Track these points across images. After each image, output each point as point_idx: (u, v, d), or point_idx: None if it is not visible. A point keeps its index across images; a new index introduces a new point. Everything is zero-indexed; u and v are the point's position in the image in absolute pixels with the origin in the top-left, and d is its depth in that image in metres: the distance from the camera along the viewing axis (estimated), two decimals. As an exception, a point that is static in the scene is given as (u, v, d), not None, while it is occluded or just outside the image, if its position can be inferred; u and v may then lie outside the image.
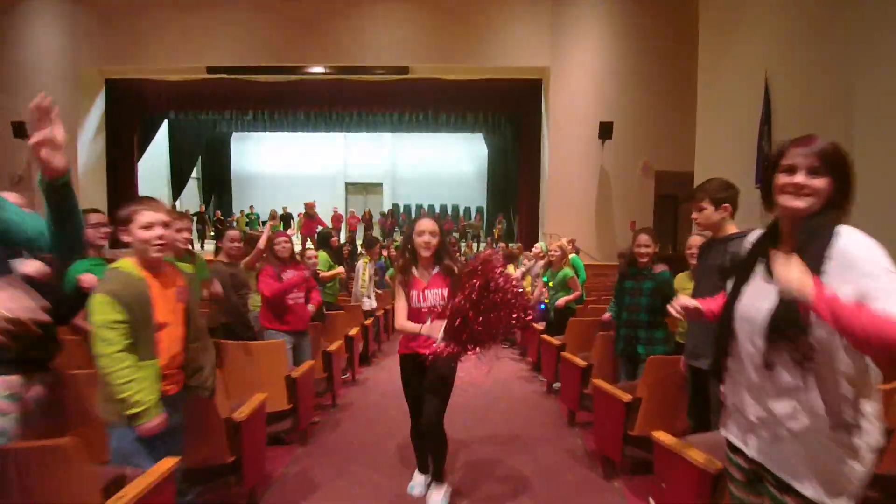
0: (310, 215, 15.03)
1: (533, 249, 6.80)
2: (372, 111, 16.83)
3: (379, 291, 7.91)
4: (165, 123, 18.98)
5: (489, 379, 5.58)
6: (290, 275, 4.53)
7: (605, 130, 14.18)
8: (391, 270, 9.15)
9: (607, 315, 4.61)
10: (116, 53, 15.48)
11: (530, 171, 15.97)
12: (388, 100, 16.22)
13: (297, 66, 15.38)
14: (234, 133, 21.24)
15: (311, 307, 4.80)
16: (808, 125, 9.62)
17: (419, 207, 18.85)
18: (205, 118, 18.25)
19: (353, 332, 6.09)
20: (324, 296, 5.71)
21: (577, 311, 5.90)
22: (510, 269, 7.35)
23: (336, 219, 16.70)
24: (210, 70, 15.65)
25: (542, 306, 6.04)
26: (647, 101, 14.53)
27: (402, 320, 3.12)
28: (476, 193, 20.89)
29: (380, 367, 7.09)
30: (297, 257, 4.90)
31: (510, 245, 11.17)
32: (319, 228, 14.70)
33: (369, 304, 7.06)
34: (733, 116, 11.94)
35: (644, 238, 3.95)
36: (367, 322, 6.78)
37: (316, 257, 5.71)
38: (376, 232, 17.09)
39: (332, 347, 5.15)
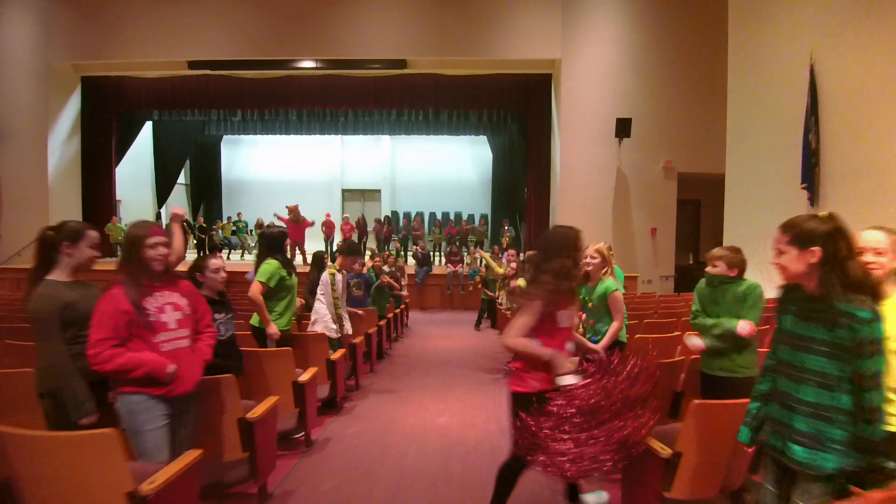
0: (294, 220, 13.52)
1: (588, 259, 5.10)
2: (368, 109, 15.36)
3: (360, 312, 6.33)
4: (149, 125, 17.61)
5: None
6: (158, 301, 2.69)
7: (623, 127, 12.67)
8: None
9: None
10: (91, 47, 14.11)
11: (539, 174, 14.45)
12: (384, 98, 14.76)
13: (286, 59, 13.95)
14: (224, 136, 19.83)
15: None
16: (861, 114, 8.15)
17: (419, 215, 17.32)
18: (190, 119, 16.87)
19: (306, 376, 3.98)
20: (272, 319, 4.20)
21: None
22: (521, 280, 5.83)
23: (328, 225, 15.20)
24: (191, 65, 14.25)
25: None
26: (668, 95, 13.05)
27: (524, 340, 2.64)
28: (479, 200, 19.39)
29: (355, 416, 4.99)
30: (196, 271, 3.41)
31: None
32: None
33: (337, 331, 5.08)
34: (772, 108, 10.42)
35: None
36: (335, 356, 4.79)
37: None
38: (371, 241, 15.56)
39: (255, 414, 3.11)
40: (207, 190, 19.82)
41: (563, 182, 13.24)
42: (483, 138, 18.70)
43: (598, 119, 13.01)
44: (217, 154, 20.08)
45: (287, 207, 13.83)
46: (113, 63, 14.42)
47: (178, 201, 19.04)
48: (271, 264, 4.22)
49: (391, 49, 13.61)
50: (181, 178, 19.48)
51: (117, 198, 17.82)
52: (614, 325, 3.76)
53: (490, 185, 19.42)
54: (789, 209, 9.65)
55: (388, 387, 5.83)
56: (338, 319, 4.91)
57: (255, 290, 4.13)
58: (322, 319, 4.91)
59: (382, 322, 7.15)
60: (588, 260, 3.84)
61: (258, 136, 19.65)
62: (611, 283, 3.82)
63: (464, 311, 12.17)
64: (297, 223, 13.62)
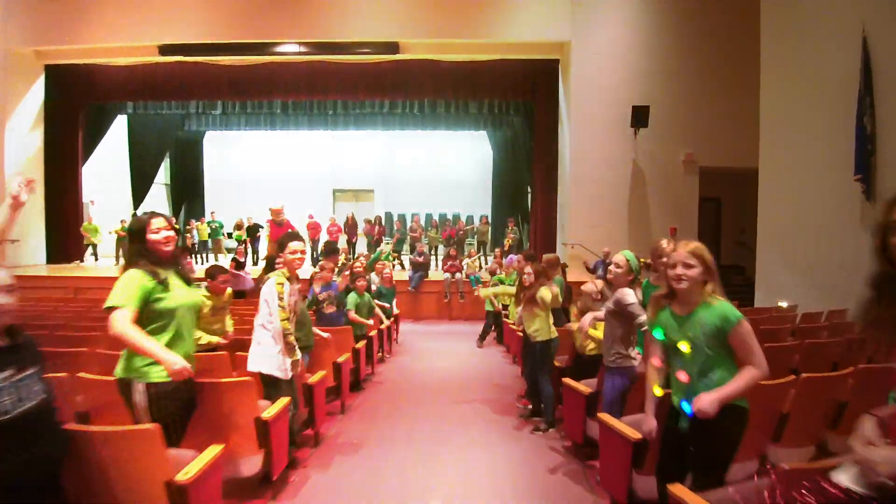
0: (277, 222, 11.97)
1: (612, 267, 3.56)
2: (358, 99, 13.86)
3: (325, 335, 4.75)
4: (123, 120, 16.10)
5: None
6: None
7: (639, 116, 11.23)
8: (355, 297, 6.10)
9: None
10: (53, 31, 12.66)
11: (545, 170, 12.95)
12: (376, 87, 13.27)
13: (266, 43, 12.48)
14: (206, 132, 18.31)
15: None
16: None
17: (417, 216, 15.74)
18: (167, 113, 15.38)
19: (205, 459, 2.40)
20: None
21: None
22: (544, 291, 4.32)
23: (312, 227, 13.67)
24: (163, 50, 12.78)
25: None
26: (689, 80, 11.62)
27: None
28: (479, 200, 17.85)
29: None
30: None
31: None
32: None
33: (282, 365, 3.36)
34: (815, 89, 8.90)
35: None
36: (271, 412, 3.03)
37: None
38: (361, 244, 13.97)
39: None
40: (189, 189, 18.28)
41: (574, 177, 11.76)
42: (483, 134, 17.22)
43: (612, 107, 11.56)
44: (199, 151, 18.55)
45: (270, 209, 12.29)
46: (78, 49, 12.96)
47: (157, 201, 17.51)
48: (130, 277, 2.53)
49: (382, 31, 12.15)
50: (160, 177, 17.95)
51: (90, 198, 16.46)
52: (750, 376, 2.23)
53: (490, 183, 17.90)
54: (841, 204, 8.17)
55: (360, 437, 4.25)
56: (289, 350, 3.40)
57: (116, 322, 2.51)
58: (266, 353, 3.35)
59: (361, 344, 5.61)
60: (679, 271, 2.32)
61: (243, 132, 18.12)
62: (727, 306, 2.27)
63: (463, 322, 10.64)
64: (280, 226, 12.09)
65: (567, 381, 4.00)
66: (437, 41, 12.30)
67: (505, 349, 8.08)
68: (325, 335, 4.63)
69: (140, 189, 16.56)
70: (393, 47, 12.43)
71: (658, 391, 2.56)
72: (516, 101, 13.86)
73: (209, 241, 14.24)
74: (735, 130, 11.39)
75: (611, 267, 3.67)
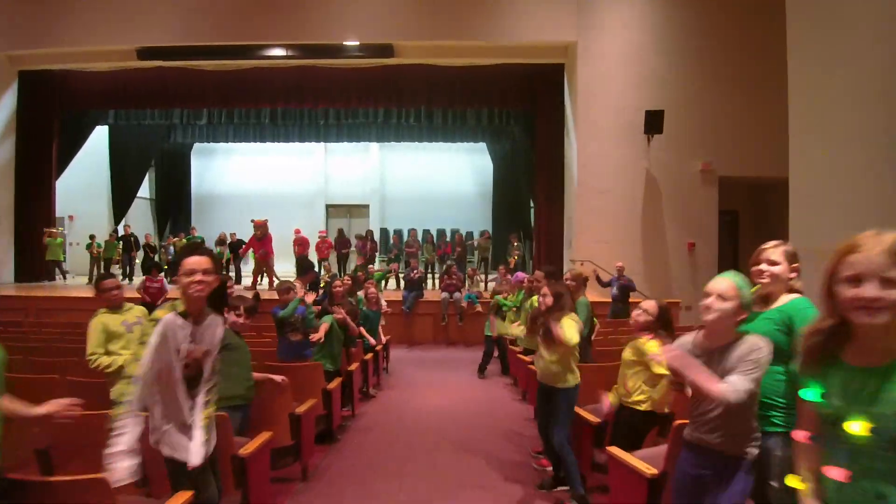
0: (258, 236, 10.90)
1: (713, 302, 2.17)
2: (349, 107, 12.82)
3: (277, 379, 3.51)
4: (104, 131, 15.05)
5: None
6: None
7: (653, 122, 10.21)
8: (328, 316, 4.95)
9: None
10: (25, 33, 11.76)
11: (549, 182, 11.89)
12: (369, 93, 12.27)
13: (250, 45, 11.51)
14: (194, 145, 17.27)
15: None
16: None
17: (413, 231, 14.58)
18: (150, 123, 14.28)
19: None
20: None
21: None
22: (569, 327, 3.20)
23: (300, 243, 12.51)
24: (141, 54, 11.78)
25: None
26: (706, 82, 10.63)
27: None
28: (478, 215, 16.78)
29: None
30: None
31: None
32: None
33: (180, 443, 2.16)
34: (858, 81, 7.91)
35: None
36: None
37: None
38: (352, 261, 12.78)
39: None
40: (174, 204, 17.17)
41: (581, 189, 10.69)
42: (482, 146, 16.19)
43: (622, 113, 10.55)
44: (186, 164, 17.48)
45: (253, 222, 11.23)
46: (53, 54, 12.00)
47: (140, 216, 16.40)
48: None
49: (375, 32, 11.19)
50: (144, 192, 16.88)
51: (69, 214, 15.38)
52: None
53: (490, 198, 16.84)
54: (888, 213, 7.10)
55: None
56: (183, 429, 2.18)
57: None
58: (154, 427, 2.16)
59: (335, 383, 4.45)
60: (876, 292, 1.22)
61: (231, 145, 17.07)
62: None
63: (463, 348, 9.46)
64: (260, 241, 10.99)
65: (614, 450, 2.84)
66: (434, 43, 11.33)
67: (511, 381, 6.91)
68: (278, 378, 3.45)
69: (122, 203, 15.46)
70: (387, 50, 11.44)
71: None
72: (517, 109, 12.83)
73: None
74: (756, 137, 10.36)
75: (709, 302, 2.00)
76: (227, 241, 12.61)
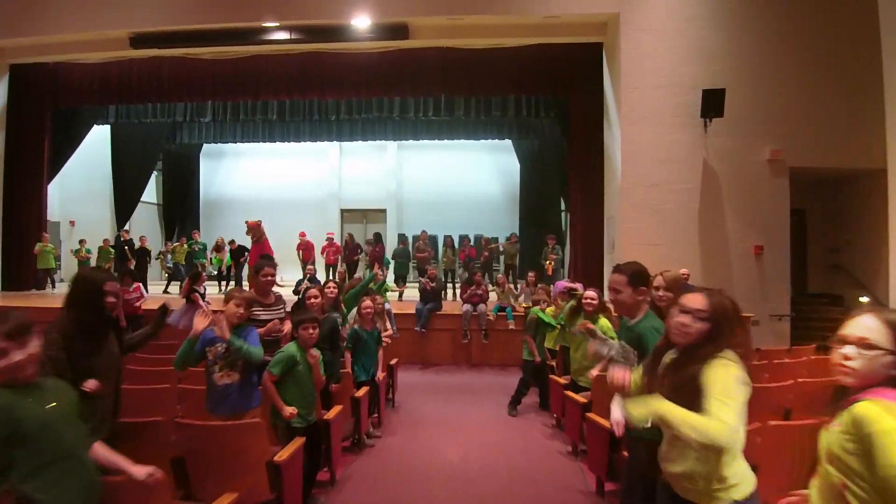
0: (256, 238, 9.38)
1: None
2: (359, 97, 11.32)
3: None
4: (107, 131, 13.85)
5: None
6: None
7: (712, 103, 8.46)
8: (292, 352, 3.28)
9: None
10: (10, 21, 10.50)
11: (586, 176, 10.18)
12: (382, 82, 10.71)
13: (252, 28, 10.08)
14: (203, 147, 16.02)
15: None
16: None
17: (424, 233, 12.74)
18: (153, 121, 13.01)
19: None
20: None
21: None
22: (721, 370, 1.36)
23: (304, 247, 11.00)
24: (135, 41, 10.47)
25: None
26: (773, 56, 8.82)
27: None
28: (504, 219, 15.09)
29: None
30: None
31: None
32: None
33: None
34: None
35: None
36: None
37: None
38: (360, 269, 11.15)
39: None
40: (181, 208, 15.89)
41: (626, 183, 8.95)
42: (507, 143, 14.58)
43: (673, 94, 8.84)
44: (194, 168, 16.21)
45: (247, 223, 9.73)
46: (43, 44, 10.83)
47: (145, 221, 15.16)
48: None
49: (388, 8, 9.65)
50: (151, 196, 15.66)
51: (69, 219, 14.19)
52: None
53: (517, 200, 15.15)
54: None
55: None
56: None
57: None
58: None
59: (294, 446, 2.81)
60: None
61: (241, 146, 15.79)
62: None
63: (487, 370, 7.75)
64: (258, 243, 9.48)
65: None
66: (454, 21, 9.76)
67: (553, 421, 5.18)
68: (141, 473, 1.83)
69: (125, 208, 14.22)
70: (401, 31, 9.92)
71: None
72: (547, 96, 11.17)
73: (184, 264, 11.56)
74: (835, 122, 8.58)
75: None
76: (226, 248, 11.13)
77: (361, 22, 9.78)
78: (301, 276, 9.44)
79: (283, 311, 3.89)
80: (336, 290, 5.06)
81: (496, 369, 7.63)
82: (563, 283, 5.57)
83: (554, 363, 5.46)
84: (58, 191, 14.11)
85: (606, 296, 3.33)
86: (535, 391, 5.82)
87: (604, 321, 4.38)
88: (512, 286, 9.72)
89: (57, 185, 13.90)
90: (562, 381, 4.76)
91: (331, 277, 9.93)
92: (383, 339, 5.03)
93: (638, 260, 8.05)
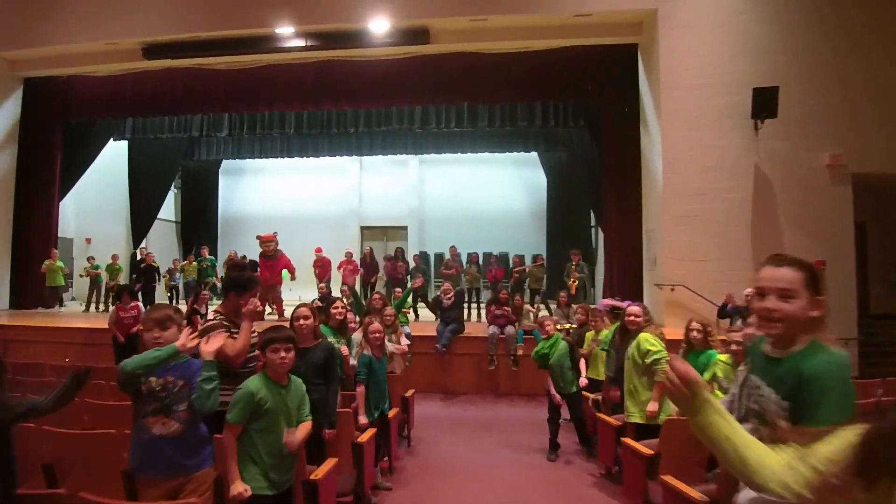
0: (268, 255, 8.64)
1: None
2: (377, 107, 10.66)
3: None
4: (124, 148, 13.44)
5: None
6: None
7: (764, 102, 7.54)
8: (256, 387, 2.43)
9: None
10: (22, 32, 10.24)
11: (622, 188, 9.27)
12: (400, 90, 10.01)
13: (265, 35, 9.50)
14: (222, 163, 15.54)
15: None
16: None
17: (453, 248, 11.81)
18: (169, 137, 12.57)
19: None
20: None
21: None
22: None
23: (321, 264, 10.26)
24: (147, 52, 10.02)
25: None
26: (835, 51, 7.89)
27: None
28: (530, 237, 14.16)
29: None
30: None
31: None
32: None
33: None
34: None
35: None
36: None
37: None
38: (380, 286, 10.35)
39: None
40: (199, 226, 15.37)
41: (668, 193, 8.02)
42: (533, 157, 13.74)
43: (720, 92, 7.95)
44: (212, 185, 15.73)
45: (258, 237, 9.02)
46: (54, 55, 10.50)
47: (163, 238, 14.65)
48: None
49: (406, 10, 8.99)
50: (169, 214, 15.19)
51: (85, 236, 13.77)
52: None
53: (544, 217, 14.25)
54: None
55: None
56: None
57: None
58: None
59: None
60: None
61: (260, 163, 15.30)
62: None
63: (518, 402, 6.78)
64: (271, 259, 8.74)
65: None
66: (477, 23, 9.05)
67: (601, 469, 4.22)
68: None
69: (141, 226, 13.69)
70: (421, 35, 9.25)
71: None
72: (577, 104, 10.37)
73: (197, 280, 10.87)
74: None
75: None
76: (238, 263, 10.45)
77: (380, 26, 9.14)
78: (317, 296, 8.66)
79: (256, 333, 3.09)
80: (344, 312, 4.24)
81: (527, 400, 6.66)
82: (607, 301, 4.64)
83: (598, 396, 4.52)
84: (74, 207, 13.73)
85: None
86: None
87: (645, 336, 3.52)
88: (529, 306, 8.77)
89: (73, 201, 13.53)
90: (612, 421, 3.83)
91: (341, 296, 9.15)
92: (398, 350, 4.22)
93: (681, 276, 6.98)
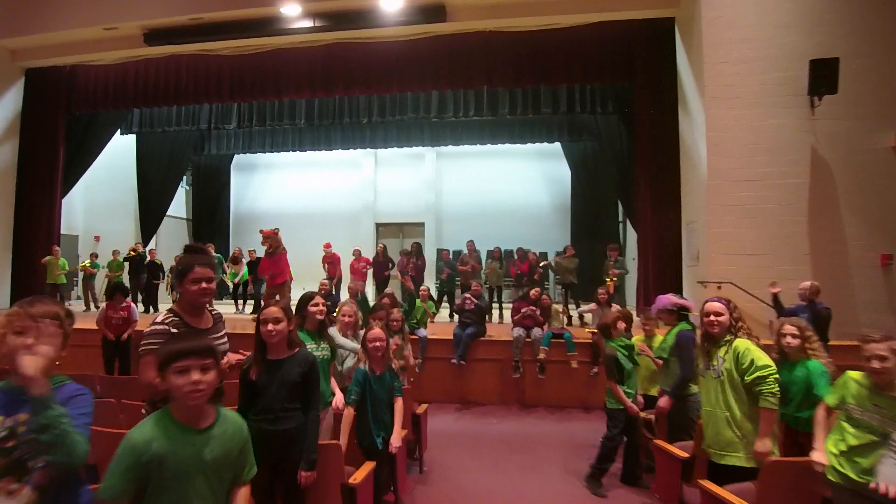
0: (270, 252, 7.93)
1: None
2: (390, 91, 9.85)
3: None
4: (132, 142, 12.91)
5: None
6: None
7: (822, 76, 6.61)
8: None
9: None
10: (18, 19, 9.63)
11: (657, 176, 8.35)
12: (415, 74, 9.21)
13: (271, 15, 8.79)
14: (234, 159, 14.95)
15: None
16: None
17: (471, 243, 10.92)
18: (177, 130, 12.00)
19: None
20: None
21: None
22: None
23: (330, 260, 9.53)
24: (149, 37, 9.40)
25: None
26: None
27: None
28: (553, 233, 13.28)
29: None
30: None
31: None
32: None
33: None
34: None
35: None
36: None
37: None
38: (393, 286, 9.53)
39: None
40: (211, 223, 14.80)
41: (713, 180, 7.11)
42: (556, 148, 12.88)
43: (771, 67, 7.01)
44: (224, 180, 15.14)
45: (261, 232, 8.32)
46: (55, 44, 9.97)
47: (172, 235, 14.09)
48: None
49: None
50: (180, 211, 14.65)
51: (94, 233, 13.27)
52: None
53: (568, 212, 13.35)
54: None
55: None
56: None
57: None
58: None
59: None
60: None
61: (272, 157, 14.68)
62: None
63: (545, 414, 5.95)
64: (273, 255, 8.03)
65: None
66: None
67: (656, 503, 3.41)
68: None
69: (151, 222, 13.14)
70: (437, 11, 8.47)
71: None
72: (605, 85, 9.48)
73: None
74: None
75: None
76: (243, 260, 9.80)
77: (392, 3, 8.38)
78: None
79: (224, 338, 2.34)
80: (353, 317, 3.50)
81: (555, 411, 5.84)
82: (670, 298, 3.75)
83: (651, 416, 3.67)
84: (82, 204, 13.26)
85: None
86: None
87: (746, 345, 2.68)
88: (558, 307, 7.91)
89: (82, 197, 13.06)
90: (678, 452, 3.00)
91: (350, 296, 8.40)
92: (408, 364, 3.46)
93: (728, 273, 5.94)
